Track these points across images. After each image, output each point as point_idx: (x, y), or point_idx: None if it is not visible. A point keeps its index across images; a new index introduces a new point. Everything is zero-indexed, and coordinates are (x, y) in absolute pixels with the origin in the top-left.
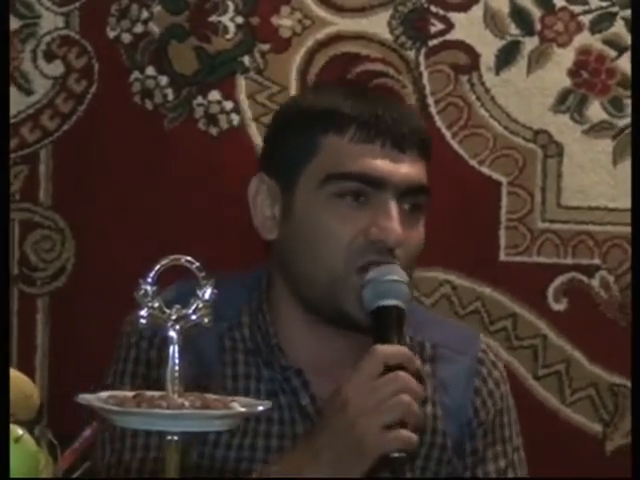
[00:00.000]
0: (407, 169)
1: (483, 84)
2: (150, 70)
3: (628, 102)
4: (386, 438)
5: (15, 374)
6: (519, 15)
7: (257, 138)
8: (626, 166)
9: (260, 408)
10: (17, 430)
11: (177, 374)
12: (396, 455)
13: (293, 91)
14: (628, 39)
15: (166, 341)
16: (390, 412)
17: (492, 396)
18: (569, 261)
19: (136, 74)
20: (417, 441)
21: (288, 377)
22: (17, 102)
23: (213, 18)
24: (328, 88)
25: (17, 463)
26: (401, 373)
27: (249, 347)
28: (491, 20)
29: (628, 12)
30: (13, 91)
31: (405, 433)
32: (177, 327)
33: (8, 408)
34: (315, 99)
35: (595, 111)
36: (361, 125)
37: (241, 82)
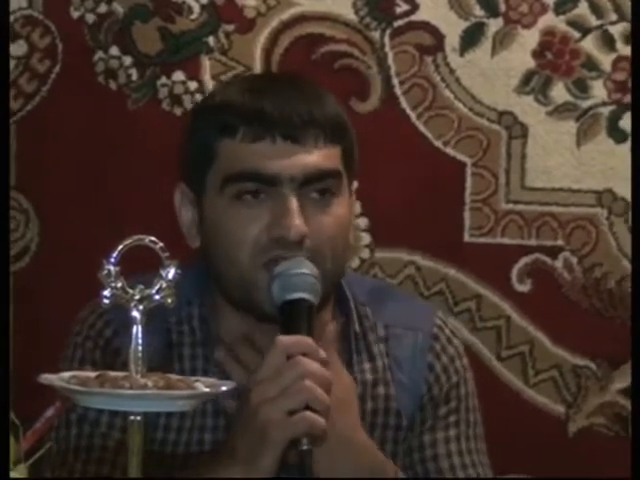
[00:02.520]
0: (304, 159)
1: (448, 65)
2: (114, 50)
3: (592, 83)
4: (290, 422)
5: None
6: None
7: None
8: (590, 147)
9: (223, 388)
10: None
11: (140, 354)
12: (305, 443)
13: (258, 71)
14: (592, 20)
15: (110, 343)
16: (293, 397)
17: (446, 371)
18: (533, 242)
19: (100, 54)
20: (324, 424)
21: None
22: None
23: None
24: (231, 84)
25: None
26: (303, 358)
27: (197, 339)
28: (456, 1)
29: None
30: None
31: (309, 415)
32: (140, 307)
33: (8, 408)
34: (213, 100)
35: (559, 92)
36: (248, 124)
37: (205, 62)
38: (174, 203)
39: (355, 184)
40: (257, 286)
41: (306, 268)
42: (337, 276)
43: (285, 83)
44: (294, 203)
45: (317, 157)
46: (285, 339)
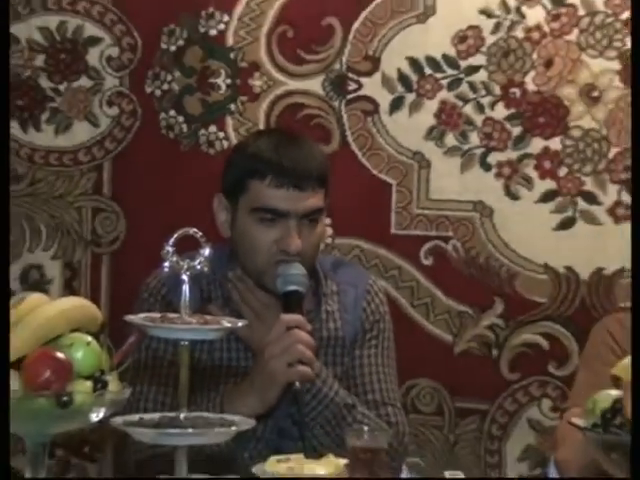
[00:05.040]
0: (304, 202)
1: (381, 122)
2: (172, 112)
3: (469, 134)
4: (289, 372)
5: (87, 303)
6: (403, 79)
7: None
8: (468, 174)
9: (239, 324)
10: (88, 337)
11: (187, 303)
12: (297, 385)
13: (261, 126)
14: (470, 94)
15: (165, 298)
16: (290, 355)
17: (373, 313)
18: (433, 233)
19: (163, 115)
20: (311, 372)
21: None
22: (89, 132)
23: (212, 80)
24: (260, 137)
25: (87, 360)
26: (296, 330)
27: (220, 294)
28: (386, 82)
29: (471, 77)
30: (87, 125)
31: (302, 368)
32: (187, 274)
33: (8, 408)
34: (250, 147)
35: (450, 140)
36: (274, 175)
37: (229, 120)
38: (213, 205)
39: (327, 203)
40: (267, 275)
41: (298, 270)
42: (314, 264)
43: (296, 143)
44: (295, 229)
45: (311, 200)
46: (286, 317)
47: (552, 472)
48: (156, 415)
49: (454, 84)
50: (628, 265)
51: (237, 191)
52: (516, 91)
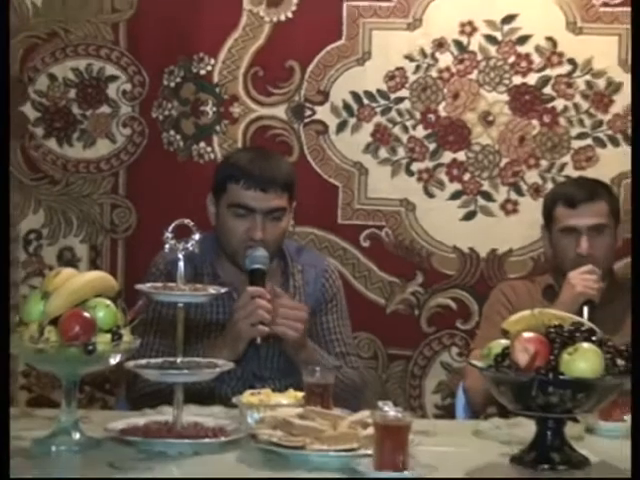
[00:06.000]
0: (268, 202)
1: (330, 140)
2: (172, 132)
3: (398, 149)
4: (252, 330)
5: (107, 276)
6: (347, 107)
7: None
8: (397, 178)
9: (222, 290)
10: (107, 301)
11: (182, 276)
12: (258, 340)
13: (240, 143)
14: (398, 119)
15: (165, 270)
16: (253, 318)
17: (332, 287)
18: (370, 223)
19: (165, 134)
20: (268, 330)
21: (229, 290)
22: (109, 147)
23: (202, 108)
24: (241, 151)
25: (107, 318)
26: (258, 299)
27: (210, 272)
28: (334, 109)
29: (398, 106)
30: (107, 142)
31: (262, 327)
32: (182, 253)
33: (8, 408)
34: (231, 159)
35: (383, 153)
36: (245, 180)
37: (215, 138)
38: (207, 201)
39: (294, 205)
40: (239, 255)
41: (262, 253)
42: (277, 250)
43: (266, 157)
44: (260, 222)
45: (274, 201)
46: (250, 289)
47: (460, 395)
48: (159, 360)
49: (385, 111)
50: (515, 246)
51: (220, 191)
52: (432, 116)
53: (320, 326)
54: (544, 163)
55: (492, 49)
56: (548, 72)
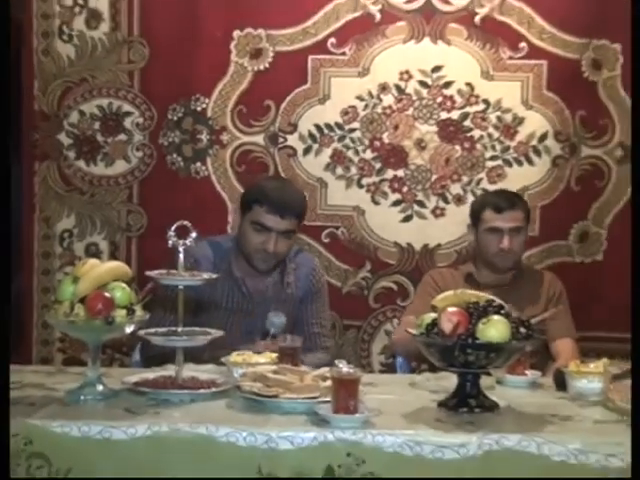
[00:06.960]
0: (283, 225)
1: (299, 161)
2: (175, 154)
3: (351, 167)
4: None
5: (123, 265)
6: (311, 136)
7: (216, 184)
8: (350, 190)
9: (214, 276)
10: (123, 284)
11: (182, 265)
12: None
13: (228, 166)
14: (351, 144)
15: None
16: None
17: (318, 282)
18: (330, 224)
19: (169, 157)
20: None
21: (239, 283)
22: (125, 167)
23: (198, 136)
24: (266, 180)
25: (123, 297)
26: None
27: (225, 269)
28: (301, 137)
29: (351, 135)
30: (123, 163)
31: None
32: (182, 248)
33: (8, 408)
34: (260, 185)
35: (339, 171)
36: (268, 205)
37: (209, 160)
38: (230, 213)
39: (301, 225)
40: (252, 258)
41: (281, 320)
42: (283, 258)
43: (286, 188)
44: (273, 239)
45: (287, 225)
46: (263, 343)
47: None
48: (164, 329)
49: (341, 139)
50: (442, 242)
51: (246, 209)
52: (377, 143)
53: (305, 312)
54: (465, 179)
55: (424, 91)
56: (467, 109)
